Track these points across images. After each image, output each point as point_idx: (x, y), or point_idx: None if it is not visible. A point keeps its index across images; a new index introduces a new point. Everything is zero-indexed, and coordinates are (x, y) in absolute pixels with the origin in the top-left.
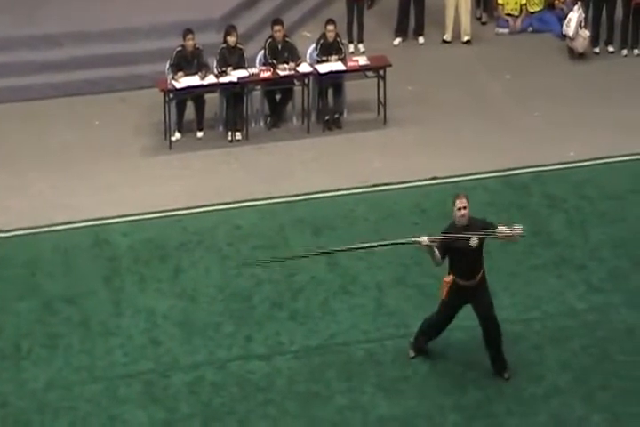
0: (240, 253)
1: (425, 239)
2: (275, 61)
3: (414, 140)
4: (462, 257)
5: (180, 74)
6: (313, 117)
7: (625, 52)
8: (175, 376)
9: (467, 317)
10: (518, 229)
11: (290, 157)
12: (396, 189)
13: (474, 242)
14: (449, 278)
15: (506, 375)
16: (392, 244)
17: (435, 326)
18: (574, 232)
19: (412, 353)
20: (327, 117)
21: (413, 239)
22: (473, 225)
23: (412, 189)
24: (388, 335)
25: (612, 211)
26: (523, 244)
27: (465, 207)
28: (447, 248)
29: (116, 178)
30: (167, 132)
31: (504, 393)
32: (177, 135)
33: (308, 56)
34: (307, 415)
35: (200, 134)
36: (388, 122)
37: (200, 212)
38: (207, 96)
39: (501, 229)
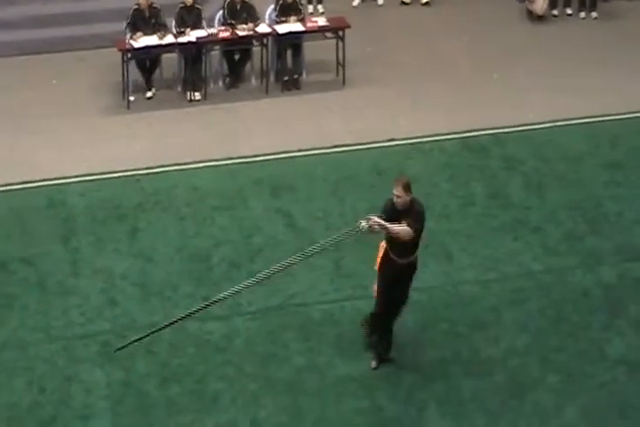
0: (198, 214)
1: (364, 224)
2: (233, 22)
3: (373, 102)
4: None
5: (138, 34)
6: (272, 78)
7: (583, 14)
8: (132, 336)
9: (423, 278)
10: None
11: (248, 118)
12: (354, 150)
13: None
14: (384, 244)
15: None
16: (337, 239)
17: (381, 307)
18: (531, 194)
19: (374, 364)
20: (286, 78)
21: (356, 229)
22: (409, 210)
23: (369, 151)
24: (347, 296)
25: (569, 173)
26: (480, 206)
27: (399, 196)
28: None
29: (73, 138)
30: (125, 92)
31: (461, 354)
32: (150, 93)
33: (266, 16)
34: (264, 376)
35: (149, 94)
36: (346, 83)
37: (158, 172)
38: (166, 56)
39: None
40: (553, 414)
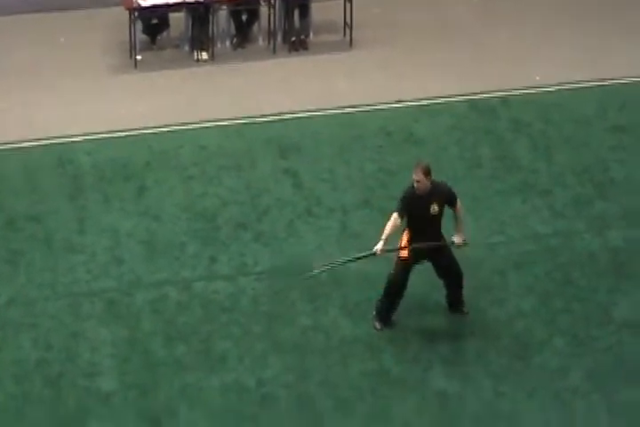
0: (205, 174)
1: (378, 250)
2: None
3: (380, 63)
4: (422, 223)
5: None
6: (279, 38)
7: None
8: (138, 295)
9: None
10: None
11: (256, 78)
12: (361, 111)
13: (434, 209)
14: (407, 237)
15: (465, 310)
16: (354, 259)
17: (394, 285)
18: (539, 157)
19: (378, 325)
20: (293, 38)
21: (371, 252)
22: (434, 192)
23: (377, 112)
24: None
25: (576, 136)
26: (488, 168)
27: (418, 181)
28: (408, 214)
29: (80, 96)
30: (132, 51)
31: (467, 316)
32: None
33: None
34: (270, 336)
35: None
36: (354, 44)
37: (165, 131)
38: (173, 15)
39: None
40: (558, 376)
